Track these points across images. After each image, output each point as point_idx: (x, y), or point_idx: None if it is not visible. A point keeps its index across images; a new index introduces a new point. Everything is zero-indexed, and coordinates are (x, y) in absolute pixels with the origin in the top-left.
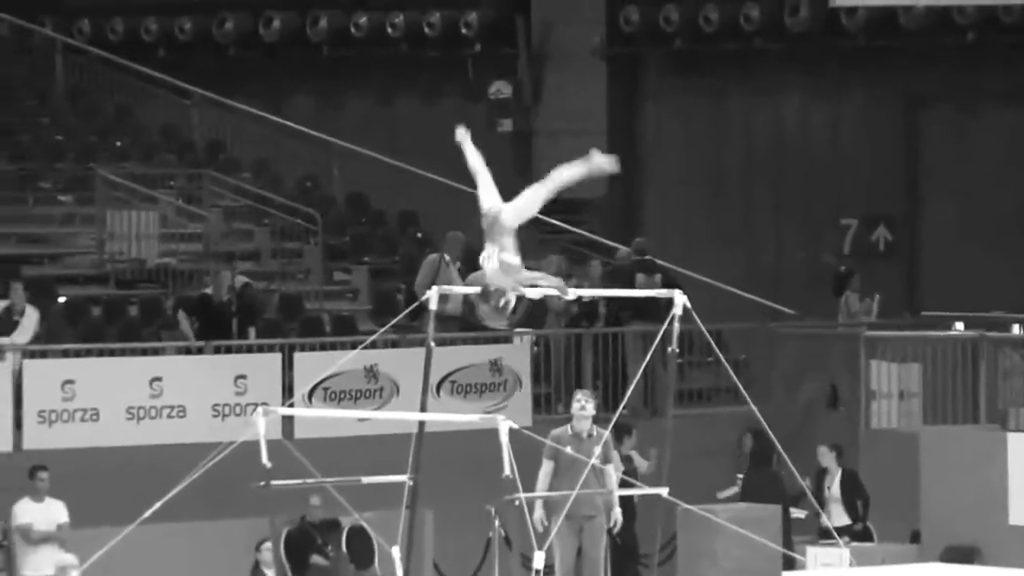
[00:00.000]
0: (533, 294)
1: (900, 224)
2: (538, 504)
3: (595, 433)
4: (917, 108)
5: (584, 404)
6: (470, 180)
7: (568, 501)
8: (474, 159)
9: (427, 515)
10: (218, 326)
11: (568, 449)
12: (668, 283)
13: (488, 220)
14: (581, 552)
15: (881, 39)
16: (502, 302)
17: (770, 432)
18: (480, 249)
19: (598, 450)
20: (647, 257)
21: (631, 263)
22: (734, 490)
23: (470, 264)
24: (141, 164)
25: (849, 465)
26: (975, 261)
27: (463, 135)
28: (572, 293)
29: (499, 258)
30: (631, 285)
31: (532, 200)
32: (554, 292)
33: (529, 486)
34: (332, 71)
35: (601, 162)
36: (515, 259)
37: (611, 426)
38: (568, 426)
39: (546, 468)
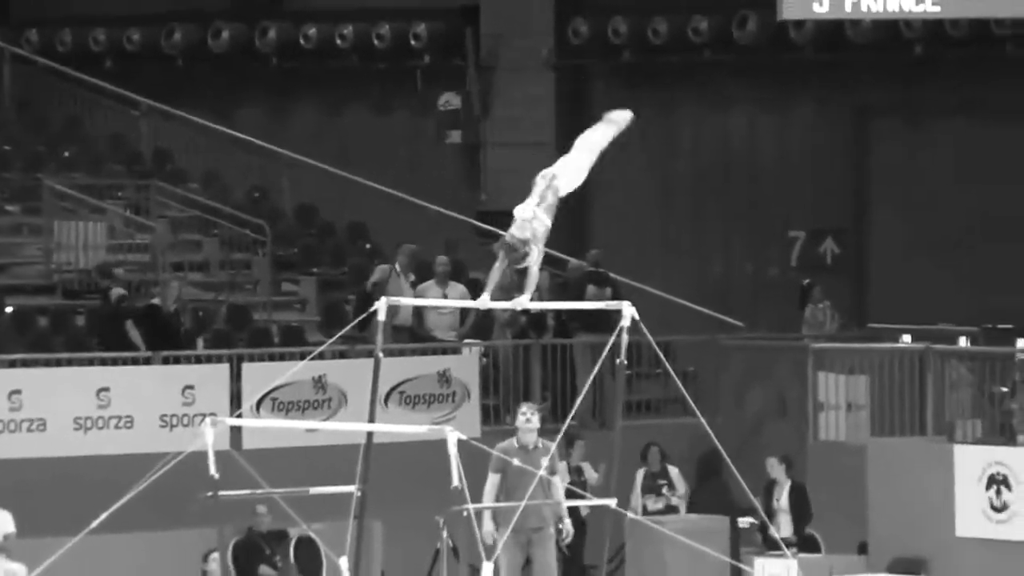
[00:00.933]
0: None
1: (848, 237)
2: (486, 517)
3: (541, 445)
4: (865, 121)
5: (529, 417)
6: (418, 191)
7: (515, 514)
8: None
9: (375, 526)
10: (166, 336)
11: (515, 461)
12: (617, 295)
13: (545, 179)
14: (531, 563)
15: (829, 52)
16: (522, 251)
17: (718, 444)
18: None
19: (545, 462)
20: (599, 269)
21: (582, 274)
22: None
23: (421, 275)
24: (89, 175)
25: (797, 477)
26: (922, 274)
27: None
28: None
29: (535, 208)
30: (581, 297)
31: (576, 172)
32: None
33: (477, 497)
34: (281, 82)
35: (622, 117)
36: (547, 220)
37: (559, 437)
38: (514, 439)
39: (492, 481)
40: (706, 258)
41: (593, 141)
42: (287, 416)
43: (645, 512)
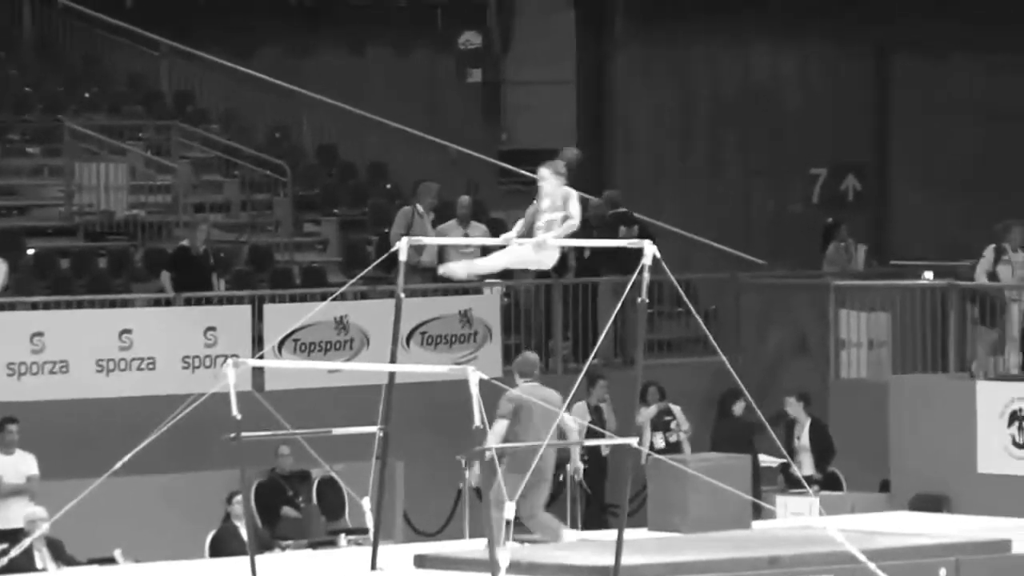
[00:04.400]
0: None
1: (869, 174)
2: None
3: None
4: (886, 57)
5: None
6: (438, 131)
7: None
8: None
9: (397, 466)
10: (196, 278)
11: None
12: (644, 234)
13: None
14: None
15: None
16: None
17: (740, 382)
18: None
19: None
20: (622, 210)
21: (611, 216)
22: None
23: (443, 214)
24: (109, 116)
25: (818, 414)
26: (944, 211)
27: None
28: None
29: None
30: (601, 236)
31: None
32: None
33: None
34: (301, 22)
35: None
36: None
37: (580, 376)
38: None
39: (500, 428)
40: (726, 195)
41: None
42: (309, 357)
43: (652, 450)
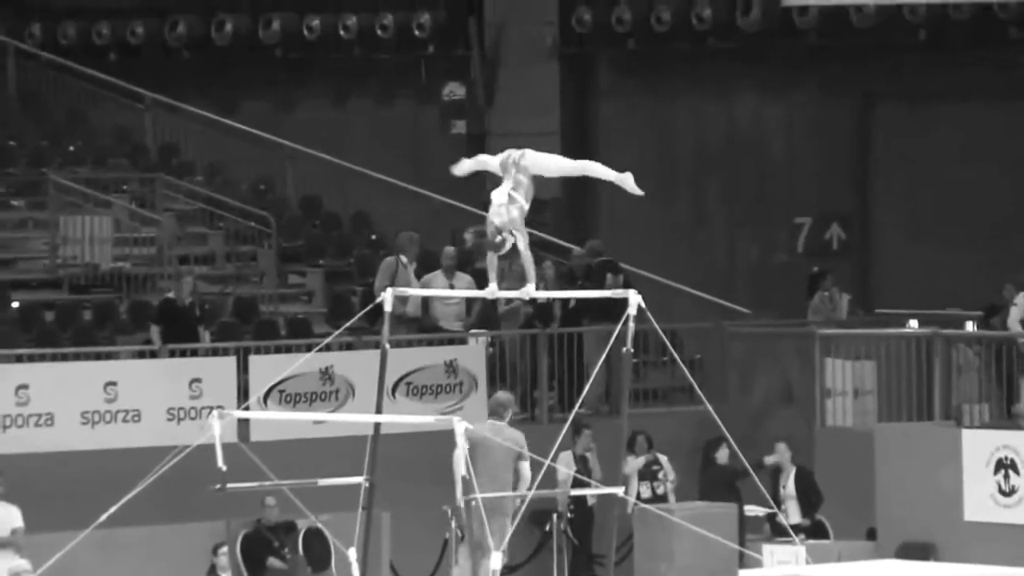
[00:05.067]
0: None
1: (853, 222)
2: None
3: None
4: (870, 107)
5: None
6: (423, 182)
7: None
8: None
9: (384, 516)
10: (183, 330)
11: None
12: (628, 284)
13: (512, 157)
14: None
15: (833, 38)
16: (498, 239)
17: (725, 431)
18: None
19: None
20: (607, 258)
21: (596, 265)
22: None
23: (426, 264)
24: (94, 168)
25: (804, 463)
26: (928, 259)
27: None
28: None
29: (509, 192)
30: (590, 286)
31: (555, 161)
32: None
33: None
34: (285, 74)
35: (630, 183)
36: (524, 202)
37: (566, 426)
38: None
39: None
40: (711, 245)
41: (589, 163)
42: (294, 408)
43: (639, 499)
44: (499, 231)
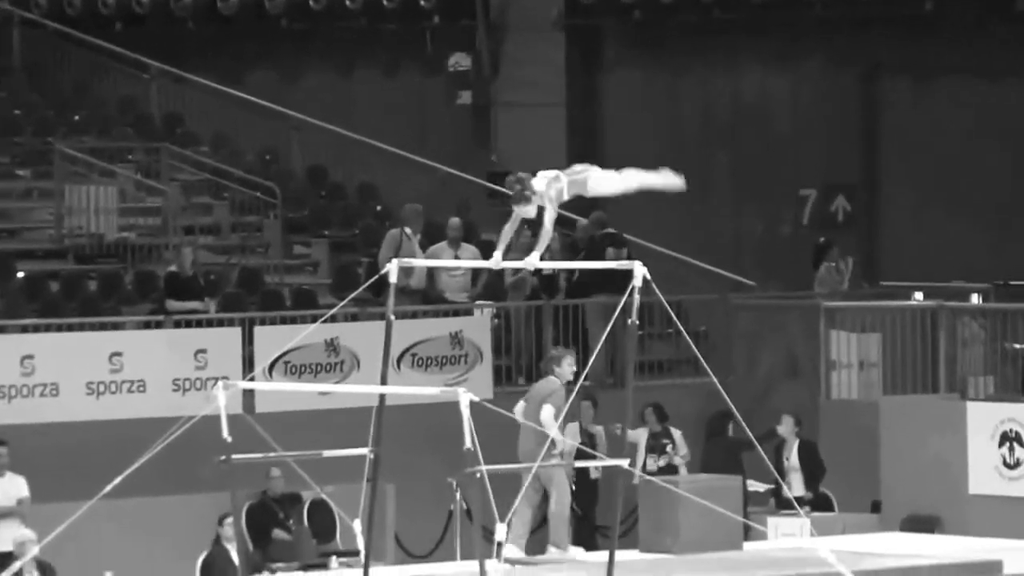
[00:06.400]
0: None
1: (859, 194)
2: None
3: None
4: (875, 78)
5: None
6: (428, 153)
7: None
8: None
9: (389, 488)
10: (187, 300)
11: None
12: (631, 256)
13: (579, 169)
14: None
15: (839, 8)
16: (526, 192)
17: (731, 403)
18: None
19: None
20: (611, 231)
21: (599, 237)
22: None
23: (431, 236)
24: (99, 138)
25: (809, 435)
26: (934, 231)
27: None
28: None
29: (560, 173)
30: (596, 258)
31: (609, 180)
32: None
33: (490, 459)
34: (291, 44)
35: (674, 180)
36: (567, 190)
37: (571, 397)
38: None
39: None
40: (717, 217)
41: (636, 174)
42: (299, 379)
43: (646, 471)
44: (532, 191)
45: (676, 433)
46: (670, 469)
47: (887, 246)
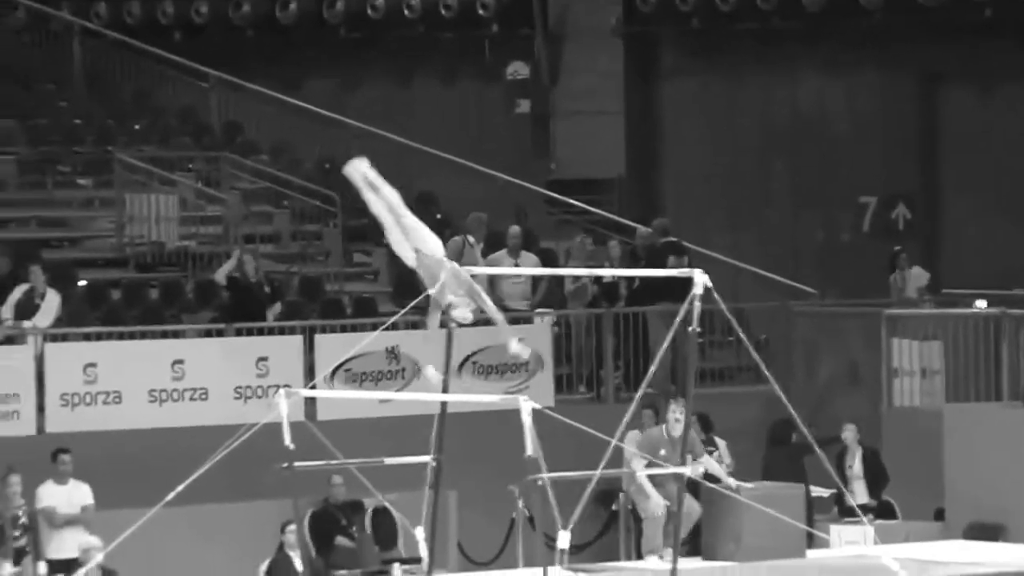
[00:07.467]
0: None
1: (919, 202)
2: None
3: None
4: (935, 85)
5: (678, 416)
6: (486, 161)
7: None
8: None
9: (450, 496)
10: (249, 307)
11: (662, 451)
12: (691, 264)
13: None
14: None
15: (898, 16)
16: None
17: (792, 410)
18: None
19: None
20: (672, 239)
21: (660, 245)
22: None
23: (490, 244)
24: (159, 147)
25: (872, 443)
26: (996, 239)
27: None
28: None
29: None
30: (652, 265)
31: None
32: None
33: (552, 466)
34: (349, 53)
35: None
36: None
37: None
38: (663, 429)
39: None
40: (777, 225)
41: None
42: (361, 387)
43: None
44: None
45: (721, 443)
46: (711, 479)
47: (948, 253)
